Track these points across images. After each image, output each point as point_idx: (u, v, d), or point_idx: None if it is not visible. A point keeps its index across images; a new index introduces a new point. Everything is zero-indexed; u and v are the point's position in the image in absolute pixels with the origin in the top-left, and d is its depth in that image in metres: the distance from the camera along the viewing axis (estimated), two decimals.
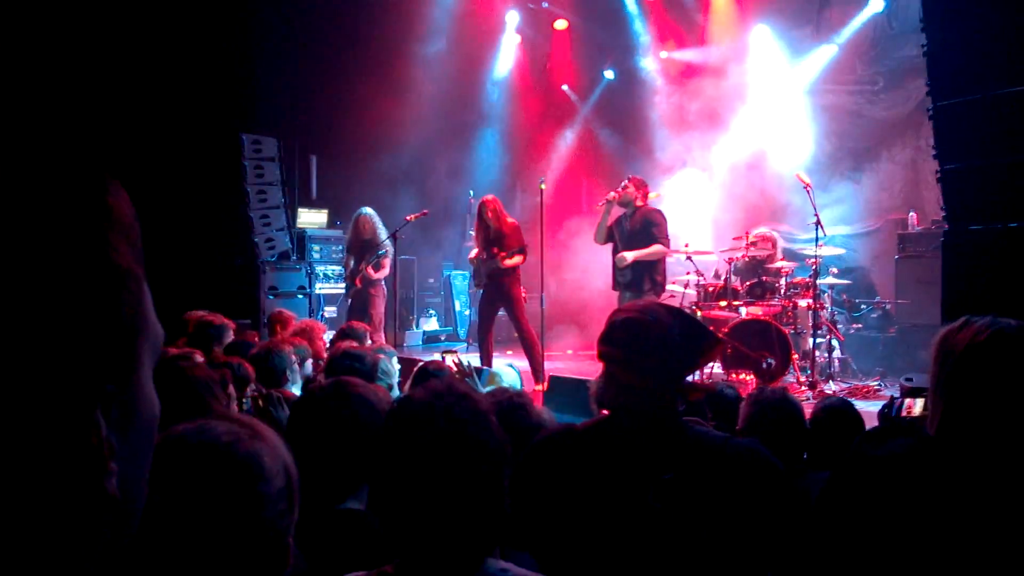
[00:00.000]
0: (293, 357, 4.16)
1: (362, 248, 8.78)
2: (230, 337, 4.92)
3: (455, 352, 6.89)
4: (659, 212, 7.34)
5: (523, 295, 7.74)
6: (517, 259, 7.68)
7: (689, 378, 1.96)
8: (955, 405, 1.63)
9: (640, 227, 7.21)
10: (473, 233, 10.38)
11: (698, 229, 9.92)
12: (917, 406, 3.45)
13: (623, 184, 7.36)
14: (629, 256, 7.14)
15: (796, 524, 1.49)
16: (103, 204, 0.49)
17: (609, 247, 7.49)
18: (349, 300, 9.23)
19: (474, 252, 8.15)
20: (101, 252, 0.48)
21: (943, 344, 1.70)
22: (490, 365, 7.04)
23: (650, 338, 1.89)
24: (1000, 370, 1.59)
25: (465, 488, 1.40)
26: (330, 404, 2.15)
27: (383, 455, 1.45)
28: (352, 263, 8.92)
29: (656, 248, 7.13)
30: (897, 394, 4.30)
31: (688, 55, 11.26)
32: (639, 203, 7.30)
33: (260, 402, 3.47)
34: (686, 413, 2.02)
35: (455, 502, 1.39)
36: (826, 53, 10.16)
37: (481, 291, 8.13)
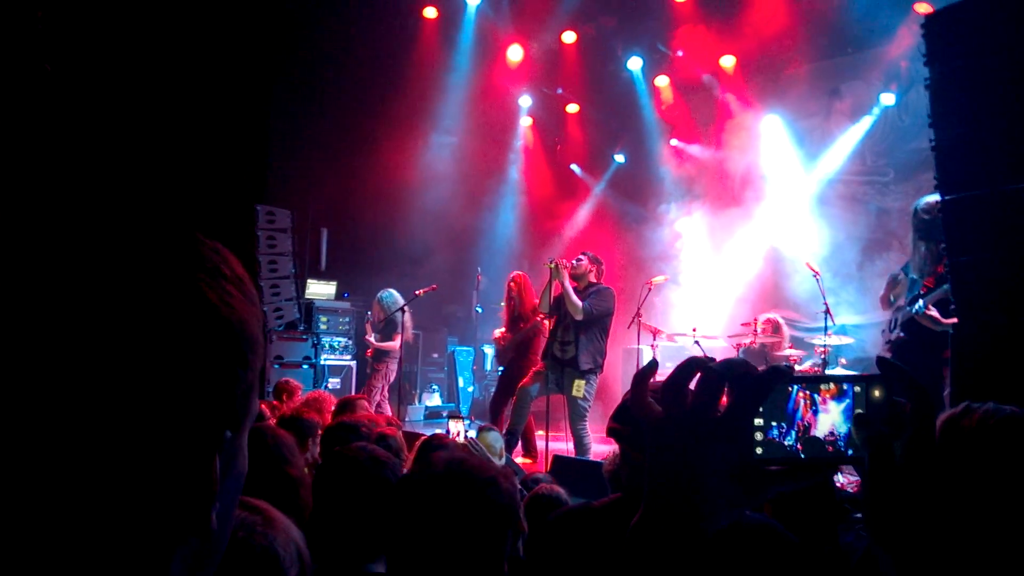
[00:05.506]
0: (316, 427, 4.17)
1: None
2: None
3: (460, 418, 6.81)
4: (608, 290, 7.09)
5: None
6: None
7: None
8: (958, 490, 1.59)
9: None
10: (481, 310, 10.32)
11: (706, 314, 9.88)
12: None
13: (578, 258, 7.22)
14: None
15: None
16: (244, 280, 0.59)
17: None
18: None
19: (499, 332, 8.18)
20: (242, 326, 0.57)
21: (948, 429, 1.66)
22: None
23: None
24: (1009, 455, 1.59)
25: (469, 550, 1.51)
26: (362, 468, 2.21)
27: (397, 519, 1.55)
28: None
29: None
30: None
31: (696, 148, 11.42)
32: (593, 278, 7.15)
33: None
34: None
35: (460, 563, 1.50)
36: (841, 151, 10.24)
37: (503, 368, 8.14)
